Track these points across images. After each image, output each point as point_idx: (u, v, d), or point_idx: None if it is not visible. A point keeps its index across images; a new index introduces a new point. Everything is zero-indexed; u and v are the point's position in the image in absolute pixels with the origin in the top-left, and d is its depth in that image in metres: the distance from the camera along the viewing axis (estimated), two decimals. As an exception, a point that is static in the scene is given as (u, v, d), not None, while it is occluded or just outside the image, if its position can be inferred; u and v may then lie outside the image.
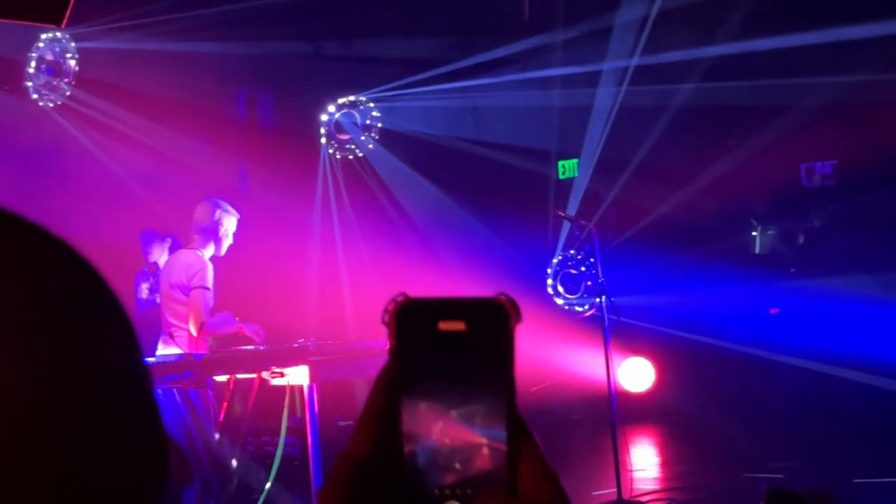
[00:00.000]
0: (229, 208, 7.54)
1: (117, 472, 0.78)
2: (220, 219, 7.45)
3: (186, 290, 7.24)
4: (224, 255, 7.62)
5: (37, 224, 0.78)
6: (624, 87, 12.67)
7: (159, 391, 6.79)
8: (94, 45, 10.41)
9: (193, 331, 7.17)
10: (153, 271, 9.22)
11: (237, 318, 7.62)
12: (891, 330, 11.54)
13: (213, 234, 7.42)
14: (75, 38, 10.29)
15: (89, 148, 10.70)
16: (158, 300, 8.16)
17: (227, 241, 7.52)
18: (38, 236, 0.78)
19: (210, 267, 7.33)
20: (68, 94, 10.47)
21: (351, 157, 12.63)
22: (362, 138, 12.61)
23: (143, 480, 0.81)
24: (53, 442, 0.73)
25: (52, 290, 0.76)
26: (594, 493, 8.86)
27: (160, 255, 8.93)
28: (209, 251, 7.41)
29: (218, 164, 11.12)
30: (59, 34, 10.26)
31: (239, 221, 7.60)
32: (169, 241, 8.85)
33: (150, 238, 9.50)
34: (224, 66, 11.70)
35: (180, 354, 6.99)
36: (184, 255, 7.51)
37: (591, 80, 12.90)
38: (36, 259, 0.77)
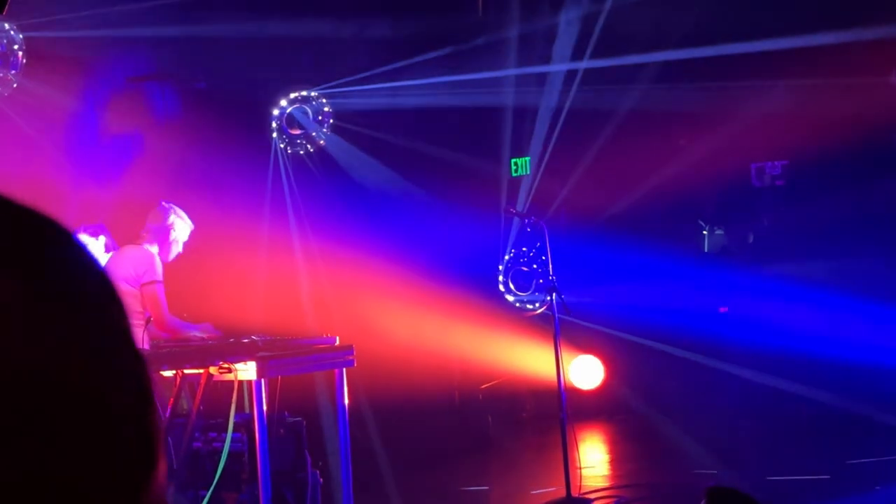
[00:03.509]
0: (184, 216, 7.52)
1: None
2: (172, 223, 7.43)
3: (135, 282, 7.19)
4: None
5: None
6: (575, 86, 12.69)
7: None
8: (41, 34, 10.28)
9: (157, 326, 7.14)
10: None
11: (185, 315, 7.57)
12: (837, 328, 11.65)
13: (163, 237, 7.40)
14: (23, 27, 10.16)
15: (37, 140, 10.56)
16: None
17: (176, 249, 7.49)
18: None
19: (158, 260, 7.30)
20: (15, 85, 10.33)
21: (301, 151, 12.54)
22: (313, 134, 12.52)
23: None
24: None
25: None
26: (543, 491, 8.87)
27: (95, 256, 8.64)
28: (155, 250, 7.37)
29: (161, 158, 11.01)
30: (6, 25, 10.12)
31: (192, 232, 7.58)
32: (103, 238, 8.64)
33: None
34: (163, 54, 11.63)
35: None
36: (131, 249, 7.46)
37: (545, 78, 12.90)
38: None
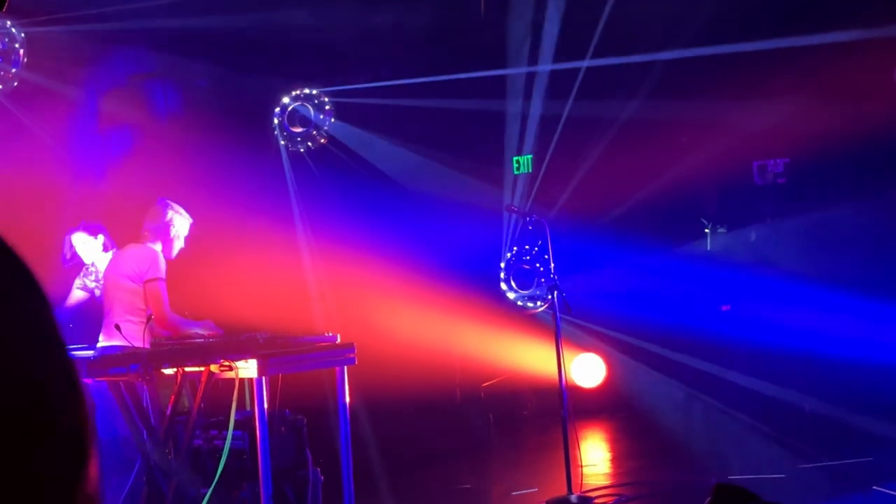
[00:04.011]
0: (182, 211, 7.54)
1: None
2: (171, 220, 7.46)
3: (138, 279, 7.21)
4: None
5: None
6: (577, 84, 12.68)
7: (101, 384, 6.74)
8: (42, 29, 10.29)
9: (158, 323, 7.15)
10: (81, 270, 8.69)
11: (186, 313, 7.57)
12: (842, 324, 11.64)
13: (163, 234, 7.44)
14: (24, 25, 10.16)
15: (38, 136, 10.55)
16: (97, 293, 8.08)
17: (178, 244, 7.53)
18: None
19: (161, 257, 7.33)
20: (16, 83, 10.33)
21: (302, 149, 12.54)
22: (314, 132, 12.51)
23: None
24: None
25: None
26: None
27: (92, 254, 8.53)
28: (158, 248, 7.40)
29: (162, 155, 11.01)
30: (8, 22, 10.12)
31: (192, 225, 7.60)
32: (101, 237, 8.57)
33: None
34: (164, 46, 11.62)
35: (125, 346, 6.93)
36: (134, 248, 7.48)
37: (546, 77, 12.89)
38: None
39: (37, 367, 0.81)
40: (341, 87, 12.45)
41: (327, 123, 12.50)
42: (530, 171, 13.14)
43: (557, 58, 12.73)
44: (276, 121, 12.40)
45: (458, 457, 10.61)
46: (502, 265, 13.01)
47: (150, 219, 7.50)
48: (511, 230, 12.96)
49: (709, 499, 3.98)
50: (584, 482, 8.68)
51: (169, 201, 7.58)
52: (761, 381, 11.78)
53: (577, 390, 11.90)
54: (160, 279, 7.25)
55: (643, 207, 12.80)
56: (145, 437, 6.79)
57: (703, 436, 10.61)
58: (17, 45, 10.21)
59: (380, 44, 12.31)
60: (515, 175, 13.27)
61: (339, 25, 12.01)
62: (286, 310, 10.76)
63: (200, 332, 7.24)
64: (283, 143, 12.46)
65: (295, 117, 12.51)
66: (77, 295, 8.45)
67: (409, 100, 12.50)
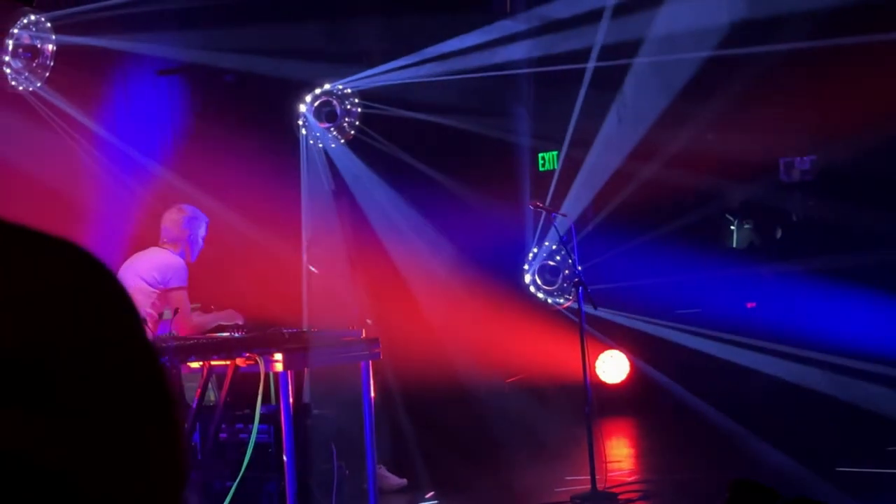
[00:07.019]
0: (199, 213, 7.61)
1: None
2: (190, 227, 7.51)
3: (156, 284, 7.27)
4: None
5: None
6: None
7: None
8: (67, 13, 10.34)
9: (182, 330, 7.22)
10: None
11: (212, 307, 7.63)
12: (866, 323, 11.58)
13: (184, 241, 7.49)
14: (53, 19, 10.21)
15: (67, 131, 10.60)
16: None
17: (199, 247, 7.57)
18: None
19: (185, 267, 7.40)
20: (39, 84, 10.37)
21: (321, 144, 12.53)
22: (333, 132, 12.47)
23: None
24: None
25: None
26: (569, 483, 8.87)
27: None
28: (181, 256, 7.47)
29: (189, 151, 11.06)
30: (35, 17, 10.18)
31: (208, 225, 7.65)
32: None
33: None
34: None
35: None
36: (159, 253, 7.51)
37: (570, 72, 12.85)
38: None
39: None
40: (368, 80, 12.43)
41: (354, 117, 12.48)
42: (556, 167, 13.12)
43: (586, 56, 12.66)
44: (302, 107, 12.32)
45: (480, 452, 10.59)
46: (529, 256, 13.00)
47: (168, 226, 7.55)
48: (536, 226, 12.94)
49: (726, 495, 3.98)
50: (608, 478, 8.67)
51: (186, 207, 7.63)
52: (786, 378, 11.72)
53: (601, 387, 11.88)
54: (184, 288, 7.34)
55: (669, 204, 12.76)
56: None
57: (726, 432, 10.56)
58: (48, 45, 10.26)
59: (406, 34, 12.31)
60: (541, 171, 13.26)
61: (361, 18, 12.03)
62: (308, 304, 10.79)
63: (224, 322, 7.30)
64: (303, 134, 12.42)
65: (321, 113, 12.50)
66: None
67: (436, 93, 12.49)
